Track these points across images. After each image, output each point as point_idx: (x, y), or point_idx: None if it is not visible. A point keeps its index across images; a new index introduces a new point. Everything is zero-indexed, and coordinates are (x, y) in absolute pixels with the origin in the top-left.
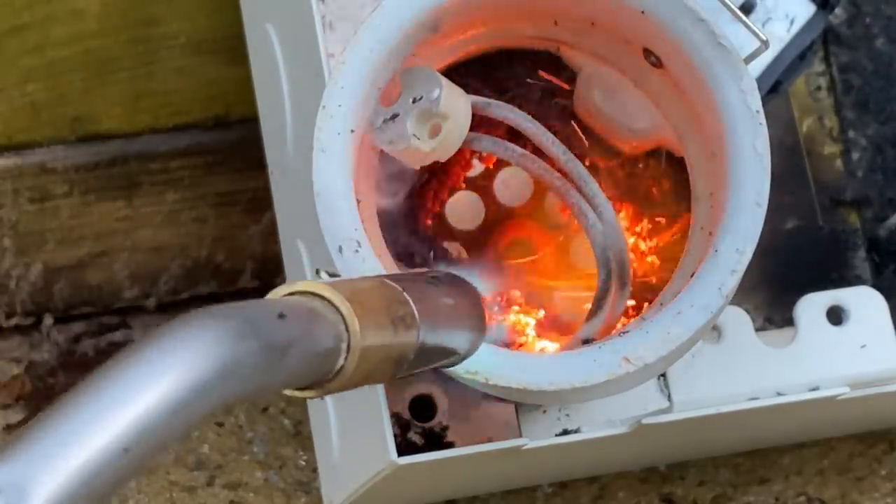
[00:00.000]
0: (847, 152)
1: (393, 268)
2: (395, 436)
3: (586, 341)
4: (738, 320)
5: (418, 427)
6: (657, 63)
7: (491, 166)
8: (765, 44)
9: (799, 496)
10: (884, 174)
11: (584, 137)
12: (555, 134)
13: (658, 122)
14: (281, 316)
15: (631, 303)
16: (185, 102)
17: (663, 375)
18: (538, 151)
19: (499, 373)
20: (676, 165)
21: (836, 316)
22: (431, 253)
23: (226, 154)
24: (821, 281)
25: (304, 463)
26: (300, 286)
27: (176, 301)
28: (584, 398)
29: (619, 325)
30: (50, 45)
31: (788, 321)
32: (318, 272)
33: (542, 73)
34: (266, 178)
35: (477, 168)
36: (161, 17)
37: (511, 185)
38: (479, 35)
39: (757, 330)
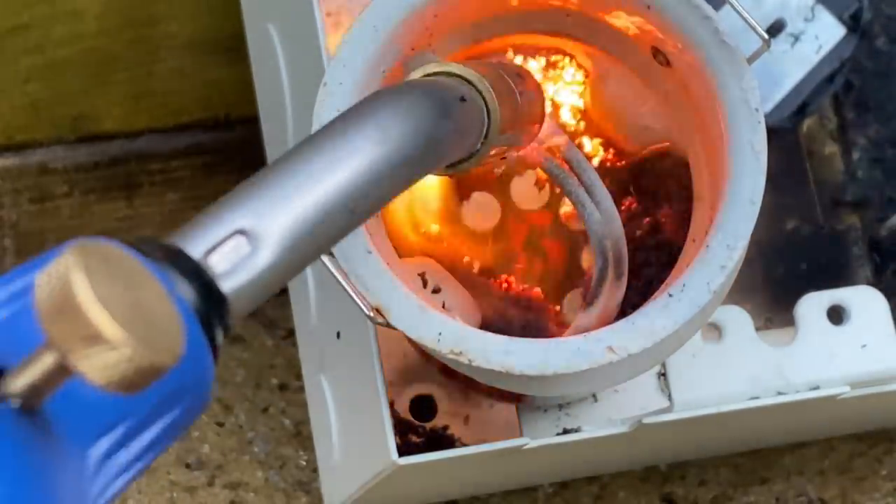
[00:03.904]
0: (847, 152)
1: (388, 249)
2: (396, 436)
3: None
4: (739, 320)
5: (419, 427)
6: (665, 62)
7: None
8: (767, 43)
9: (799, 496)
10: (884, 174)
11: (593, 135)
12: (567, 132)
13: (667, 123)
14: (462, 100)
15: None
16: (185, 102)
17: (664, 375)
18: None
19: (482, 355)
20: (683, 168)
21: (836, 315)
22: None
23: (226, 154)
24: (821, 280)
25: (304, 463)
26: (443, 67)
27: None
28: (572, 388)
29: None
30: (50, 45)
31: (789, 321)
32: None
33: (555, 70)
34: None
35: (496, 170)
36: (161, 17)
37: (527, 188)
38: (492, 24)
39: (757, 329)
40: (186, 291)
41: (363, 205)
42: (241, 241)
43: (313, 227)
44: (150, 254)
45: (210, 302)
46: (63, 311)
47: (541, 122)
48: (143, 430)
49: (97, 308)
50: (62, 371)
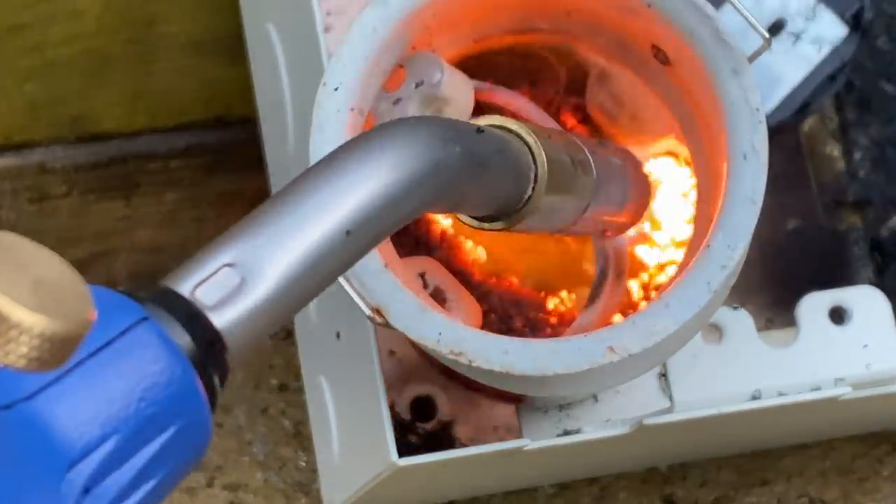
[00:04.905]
0: (849, 152)
1: (388, 249)
2: (396, 437)
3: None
4: (740, 320)
5: (419, 428)
6: (665, 60)
7: None
8: (767, 42)
9: (801, 497)
10: (886, 174)
11: (593, 134)
12: (568, 131)
13: (667, 122)
14: (479, 131)
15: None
16: (185, 102)
17: (664, 375)
18: None
19: (482, 355)
20: (683, 168)
21: (838, 316)
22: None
23: (226, 154)
24: (822, 281)
25: (304, 464)
26: (486, 119)
27: None
28: (572, 388)
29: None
30: (49, 45)
31: (790, 321)
32: None
33: (555, 70)
34: (266, 178)
35: None
36: (161, 17)
37: None
38: (492, 23)
39: (759, 330)
40: (178, 332)
41: (364, 232)
42: (228, 273)
43: (308, 257)
44: (139, 297)
45: (199, 334)
46: None
47: (632, 210)
48: (128, 456)
49: None
50: None
